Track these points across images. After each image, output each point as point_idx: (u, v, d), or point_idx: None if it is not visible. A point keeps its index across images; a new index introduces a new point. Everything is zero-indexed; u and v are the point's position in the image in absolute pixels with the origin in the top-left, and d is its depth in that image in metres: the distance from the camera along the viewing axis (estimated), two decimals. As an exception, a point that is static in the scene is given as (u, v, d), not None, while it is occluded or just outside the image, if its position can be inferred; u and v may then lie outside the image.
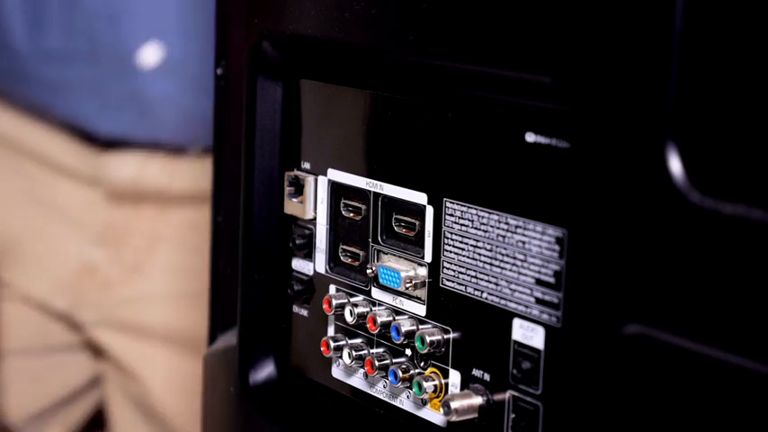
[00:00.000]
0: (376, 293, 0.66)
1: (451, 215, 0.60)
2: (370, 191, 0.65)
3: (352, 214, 0.67)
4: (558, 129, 0.54)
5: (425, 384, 0.62)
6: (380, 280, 0.64)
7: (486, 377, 0.59)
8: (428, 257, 0.62)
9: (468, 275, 0.60)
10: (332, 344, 0.67)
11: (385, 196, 0.65)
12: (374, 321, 0.64)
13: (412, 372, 0.63)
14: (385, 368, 0.64)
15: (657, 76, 0.49)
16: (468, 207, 0.59)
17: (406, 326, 0.63)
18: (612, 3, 0.50)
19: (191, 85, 1.15)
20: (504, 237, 0.58)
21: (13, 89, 1.20)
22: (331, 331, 0.69)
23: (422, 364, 0.63)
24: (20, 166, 1.25)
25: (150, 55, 1.09)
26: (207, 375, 0.81)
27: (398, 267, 0.63)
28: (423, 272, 0.63)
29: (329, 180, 0.68)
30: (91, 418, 1.33)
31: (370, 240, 0.66)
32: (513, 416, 0.57)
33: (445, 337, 0.61)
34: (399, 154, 0.63)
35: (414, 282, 0.63)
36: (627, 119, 0.50)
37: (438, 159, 0.61)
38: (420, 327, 0.62)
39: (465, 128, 0.59)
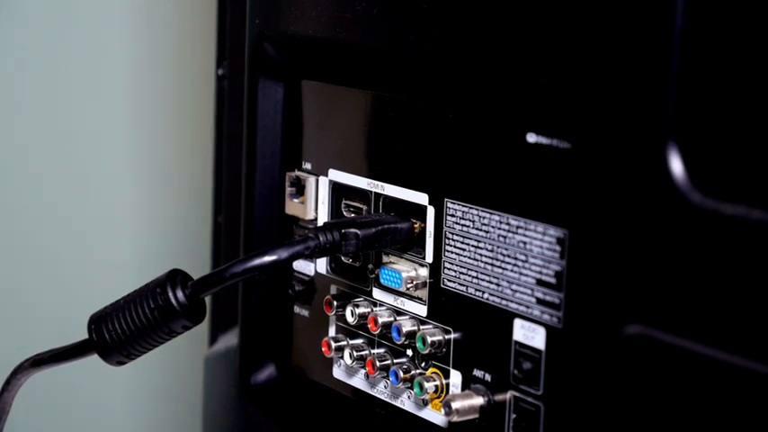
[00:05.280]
0: (377, 294, 0.66)
1: (452, 215, 0.60)
2: (371, 191, 0.65)
3: (353, 214, 0.67)
4: (559, 129, 0.54)
5: (426, 385, 0.62)
6: (381, 280, 0.64)
7: (488, 377, 0.59)
8: (429, 258, 0.62)
9: (470, 276, 0.60)
10: (333, 344, 0.67)
11: (386, 197, 0.65)
12: (375, 322, 0.64)
13: (413, 372, 0.63)
14: (386, 368, 0.64)
15: (658, 76, 0.49)
16: (470, 207, 0.59)
17: (407, 326, 0.63)
18: (613, 3, 0.50)
19: None
20: (505, 237, 0.58)
21: None
22: (332, 332, 0.69)
23: (423, 364, 0.63)
24: None
25: None
26: (208, 376, 0.81)
27: (399, 268, 0.63)
28: (424, 272, 0.63)
29: (330, 180, 0.68)
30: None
31: (371, 241, 0.66)
32: (514, 416, 0.57)
33: (446, 337, 0.61)
34: (400, 154, 0.63)
35: (415, 282, 0.63)
36: (628, 119, 0.50)
37: (439, 160, 0.61)
38: (421, 327, 0.62)
39: (466, 128, 0.59)
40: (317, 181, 0.69)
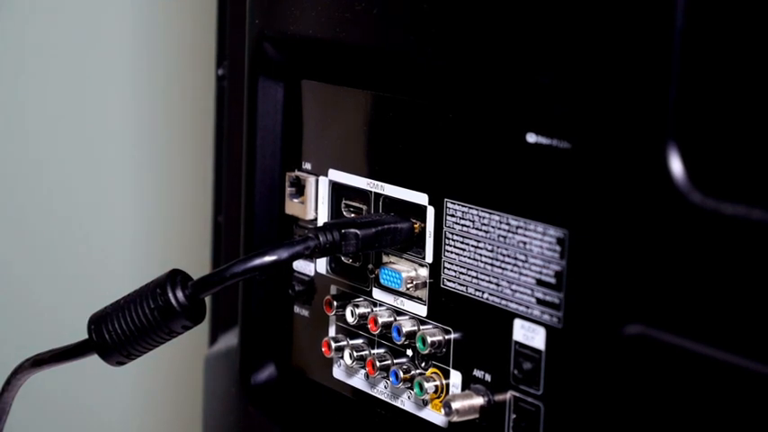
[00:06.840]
0: (377, 294, 0.66)
1: (452, 216, 0.60)
2: (370, 191, 0.65)
3: (353, 215, 0.67)
4: (559, 129, 0.54)
5: (426, 385, 0.62)
6: (381, 280, 0.64)
7: (488, 378, 0.59)
8: (429, 258, 0.62)
9: (469, 276, 0.60)
10: (333, 344, 0.67)
11: (386, 197, 0.65)
12: (375, 322, 0.64)
13: (413, 372, 0.63)
14: (386, 369, 0.64)
15: (658, 76, 0.49)
16: (469, 207, 0.59)
17: (407, 326, 0.63)
18: (612, 3, 0.50)
19: None
20: (505, 237, 0.58)
21: None
22: (332, 332, 0.69)
23: (423, 364, 0.63)
24: None
25: None
26: (208, 376, 0.81)
27: (399, 268, 0.63)
28: (424, 272, 0.63)
29: (330, 180, 0.68)
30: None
31: (371, 241, 0.66)
32: (514, 416, 0.57)
33: (446, 337, 0.61)
34: (400, 154, 0.63)
35: (415, 282, 0.63)
36: (627, 119, 0.50)
37: (439, 160, 0.61)
38: (421, 327, 0.62)
39: (466, 128, 0.59)
40: (317, 181, 0.69)
